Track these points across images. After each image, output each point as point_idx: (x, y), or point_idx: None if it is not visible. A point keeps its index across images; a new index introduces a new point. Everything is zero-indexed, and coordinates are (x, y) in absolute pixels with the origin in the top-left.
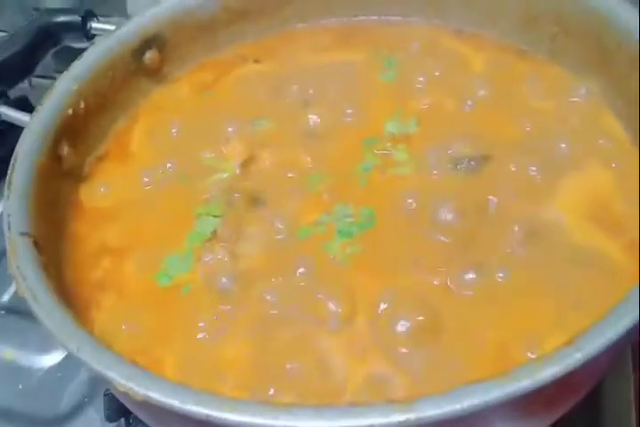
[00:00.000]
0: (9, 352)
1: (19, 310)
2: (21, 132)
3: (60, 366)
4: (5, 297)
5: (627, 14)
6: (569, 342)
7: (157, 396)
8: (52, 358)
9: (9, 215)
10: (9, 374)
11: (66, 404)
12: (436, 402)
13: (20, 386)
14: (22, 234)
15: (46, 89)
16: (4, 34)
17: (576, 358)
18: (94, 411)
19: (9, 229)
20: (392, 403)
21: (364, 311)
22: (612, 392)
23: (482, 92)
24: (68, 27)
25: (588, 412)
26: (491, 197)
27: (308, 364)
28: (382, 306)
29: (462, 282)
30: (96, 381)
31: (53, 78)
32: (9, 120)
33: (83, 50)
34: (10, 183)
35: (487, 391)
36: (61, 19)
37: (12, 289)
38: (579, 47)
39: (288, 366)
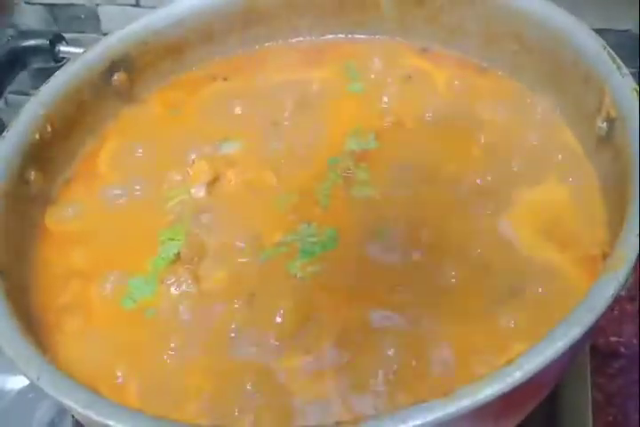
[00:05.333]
0: None
1: None
2: None
3: (30, 387)
4: None
5: (582, 34)
6: (509, 362)
7: (115, 424)
8: (22, 380)
9: None
10: None
11: (37, 425)
12: (380, 423)
13: None
14: None
15: (22, 105)
16: None
17: (515, 376)
18: None
19: None
20: (339, 424)
21: (327, 331)
22: (570, 394)
23: (441, 108)
24: (36, 50)
25: (546, 414)
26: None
27: (266, 385)
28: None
29: (419, 303)
30: None
31: (28, 95)
32: None
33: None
34: None
35: (430, 412)
36: (29, 42)
37: None
38: (537, 65)
39: (248, 387)
